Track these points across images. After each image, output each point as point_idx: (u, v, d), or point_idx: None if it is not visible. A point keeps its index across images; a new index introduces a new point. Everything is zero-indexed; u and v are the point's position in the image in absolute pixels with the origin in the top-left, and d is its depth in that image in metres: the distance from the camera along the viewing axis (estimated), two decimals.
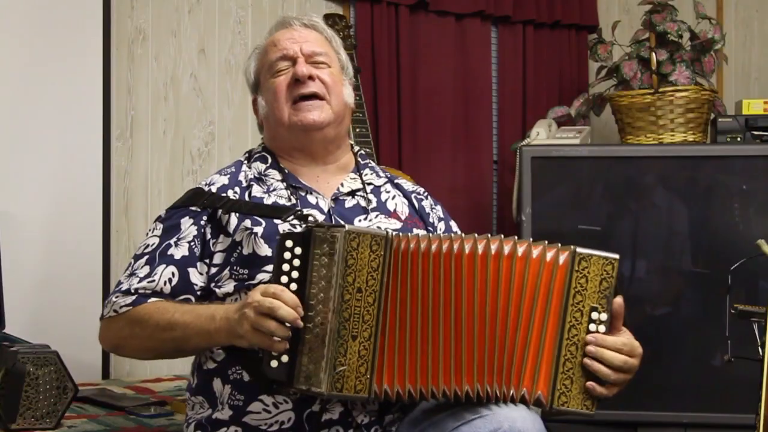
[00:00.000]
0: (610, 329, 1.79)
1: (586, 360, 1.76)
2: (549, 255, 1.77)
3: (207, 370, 1.91)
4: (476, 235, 1.77)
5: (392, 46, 3.61)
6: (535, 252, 1.76)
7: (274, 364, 1.69)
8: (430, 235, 1.83)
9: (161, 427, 2.29)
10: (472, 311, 1.73)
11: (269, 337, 1.67)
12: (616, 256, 1.78)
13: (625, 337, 1.81)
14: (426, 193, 2.17)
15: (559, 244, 1.78)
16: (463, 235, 1.78)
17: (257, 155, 2.09)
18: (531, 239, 1.80)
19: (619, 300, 1.79)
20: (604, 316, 1.77)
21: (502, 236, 1.78)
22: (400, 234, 1.77)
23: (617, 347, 1.78)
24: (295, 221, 1.87)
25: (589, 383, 1.76)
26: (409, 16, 3.67)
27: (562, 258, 1.76)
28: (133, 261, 1.97)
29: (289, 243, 1.71)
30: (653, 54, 3.56)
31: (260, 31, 3.37)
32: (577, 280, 1.76)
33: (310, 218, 1.84)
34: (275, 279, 1.72)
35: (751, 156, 3.32)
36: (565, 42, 4.02)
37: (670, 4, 3.64)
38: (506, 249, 1.75)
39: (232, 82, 3.33)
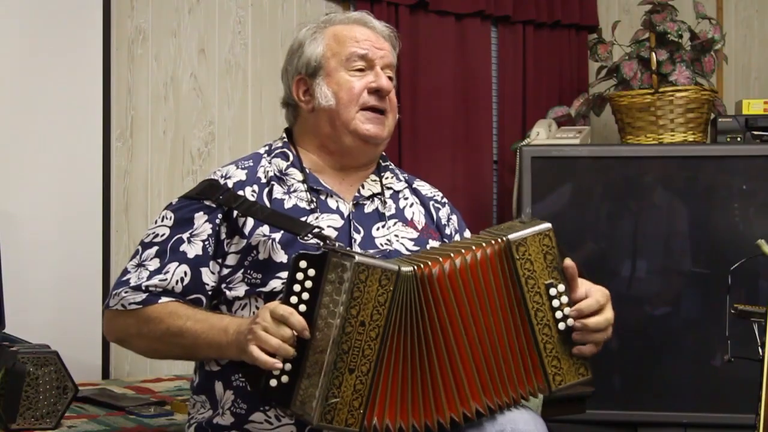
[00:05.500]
0: (571, 290, 1.79)
1: (576, 337, 1.76)
2: (489, 252, 1.76)
3: (209, 371, 1.90)
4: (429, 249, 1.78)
5: None
6: (479, 255, 1.75)
7: (273, 383, 1.69)
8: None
9: (161, 427, 2.29)
10: (460, 333, 1.73)
11: (271, 358, 1.66)
12: (548, 225, 1.77)
13: (593, 294, 1.80)
14: (444, 200, 2.14)
15: (492, 241, 1.76)
16: (428, 253, 1.78)
17: (278, 150, 2.03)
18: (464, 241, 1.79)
19: (568, 262, 1.78)
20: (561, 287, 1.77)
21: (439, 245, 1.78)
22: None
23: (593, 309, 1.78)
24: (313, 240, 1.81)
25: (575, 348, 1.77)
26: (409, 16, 3.66)
27: (499, 251, 1.75)
28: (141, 248, 1.92)
29: (303, 264, 1.69)
30: (653, 54, 3.56)
31: (260, 31, 3.37)
32: (523, 267, 1.76)
33: (328, 241, 1.78)
34: (285, 298, 1.70)
35: (751, 156, 3.33)
36: (565, 42, 4.02)
37: (670, 4, 3.64)
38: (446, 267, 1.73)
39: (232, 82, 3.32)
